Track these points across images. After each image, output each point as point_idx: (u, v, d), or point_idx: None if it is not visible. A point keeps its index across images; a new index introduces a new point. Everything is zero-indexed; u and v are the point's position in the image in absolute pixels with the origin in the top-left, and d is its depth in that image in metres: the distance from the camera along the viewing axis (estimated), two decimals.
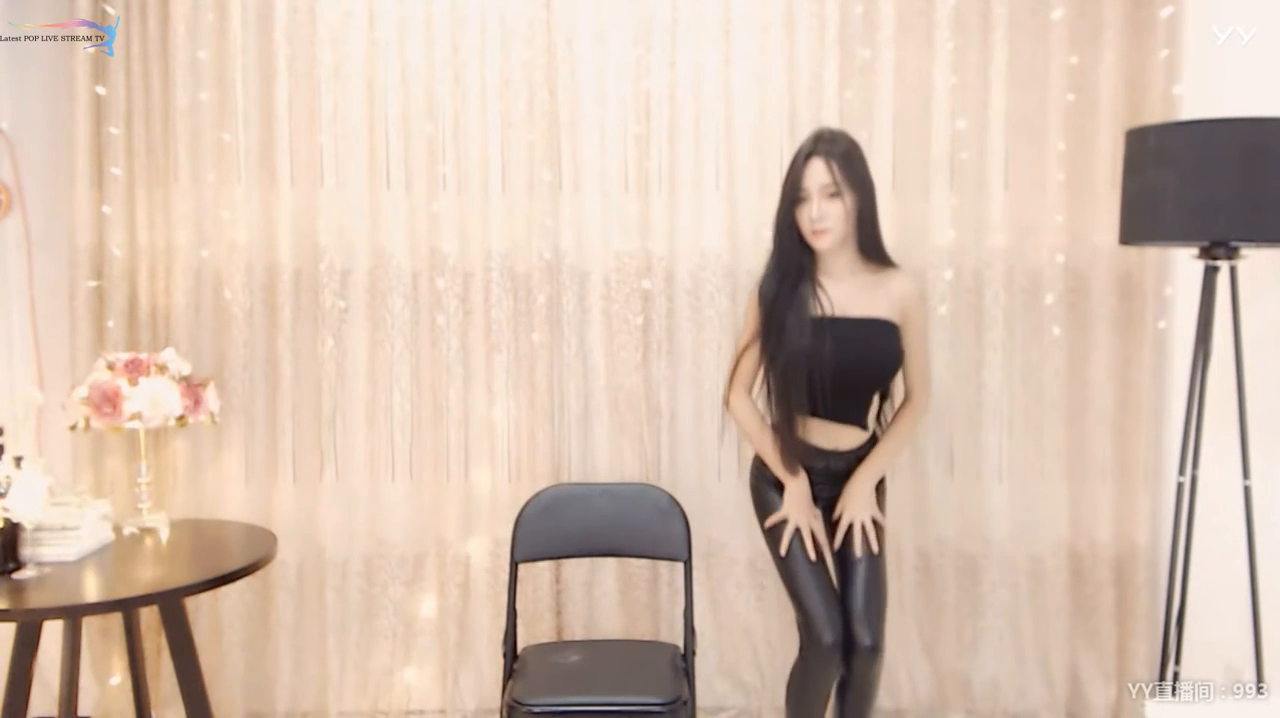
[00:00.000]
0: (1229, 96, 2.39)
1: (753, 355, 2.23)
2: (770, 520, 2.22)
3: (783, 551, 2.16)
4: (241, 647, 2.68)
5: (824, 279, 2.16)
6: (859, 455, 2.22)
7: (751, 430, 2.27)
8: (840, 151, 2.08)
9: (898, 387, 2.28)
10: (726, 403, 2.31)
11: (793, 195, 2.12)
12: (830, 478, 2.22)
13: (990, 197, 2.63)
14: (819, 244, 2.11)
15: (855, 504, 2.18)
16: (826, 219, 2.07)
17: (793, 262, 2.15)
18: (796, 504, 2.18)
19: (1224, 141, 1.98)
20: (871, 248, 2.17)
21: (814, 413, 2.16)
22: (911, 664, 2.75)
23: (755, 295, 2.22)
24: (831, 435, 2.19)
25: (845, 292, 2.16)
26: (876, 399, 2.24)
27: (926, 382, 2.28)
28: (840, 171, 2.06)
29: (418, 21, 2.61)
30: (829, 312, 2.12)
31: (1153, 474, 2.67)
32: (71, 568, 2.10)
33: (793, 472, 2.19)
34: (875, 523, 2.18)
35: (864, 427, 2.21)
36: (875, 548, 2.15)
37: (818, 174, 2.07)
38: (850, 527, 2.17)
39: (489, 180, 2.65)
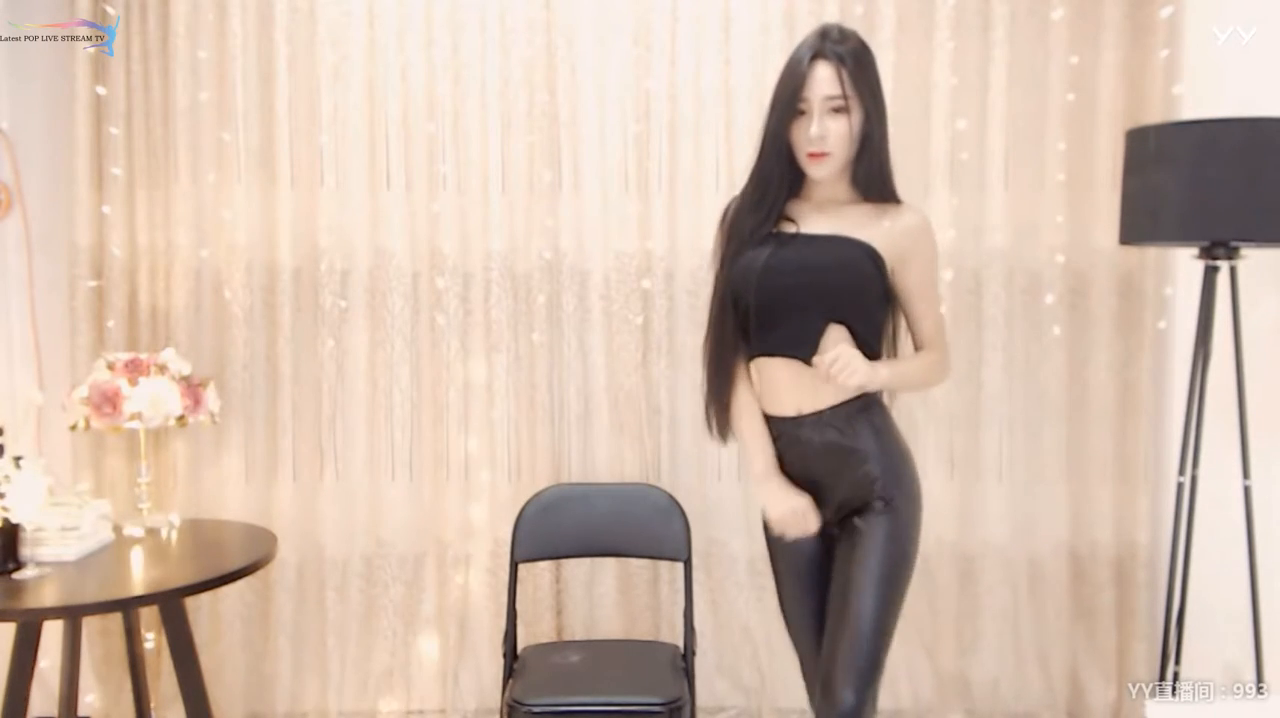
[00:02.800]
0: (1229, 96, 2.39)
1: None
2: (771, 537, 1.84)
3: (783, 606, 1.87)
4: (241, 647, 2.68)
5: (806, 210, 1.75)
6: (834, 424, 1.72)
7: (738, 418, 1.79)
8: (851, 53, 1.67)
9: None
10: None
11: (788, 107, 1.68)
12: (804, 457, 1.75)
13: (990, 197, 2.63)
14: (815, 170, 1.70)
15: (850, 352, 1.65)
16: (828, 139, 1.66)
17: (773, 188, 1.72)
18: (777, 498, 1.74)
19: (1224, 141, 1.98)
20: (872, 183, 1.73)
21: (752, 348, 1.76)
22: (911, 664, 2.75)
23: (721, 226, 1.80)
24: (785, 383, 1.72)
25: (826, 221, 1.73)
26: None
27: (942, 339, 1.80)
28: (850, 79, 1.65)
29: (418, 21, 2.61)
30: (791, 231, 1.71)
31: (1153, 474, 2.67)
32: (71, 568, 2.10)
33: (725, 436, 1.81)
34: (881, 527, 1.77)
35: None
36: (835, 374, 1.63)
37: (823, 82, 1.65)
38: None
39: (489, 180, 2.65)
